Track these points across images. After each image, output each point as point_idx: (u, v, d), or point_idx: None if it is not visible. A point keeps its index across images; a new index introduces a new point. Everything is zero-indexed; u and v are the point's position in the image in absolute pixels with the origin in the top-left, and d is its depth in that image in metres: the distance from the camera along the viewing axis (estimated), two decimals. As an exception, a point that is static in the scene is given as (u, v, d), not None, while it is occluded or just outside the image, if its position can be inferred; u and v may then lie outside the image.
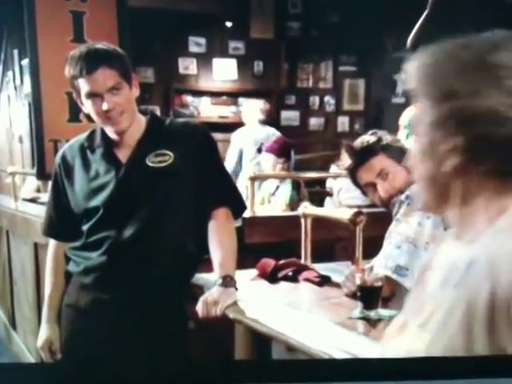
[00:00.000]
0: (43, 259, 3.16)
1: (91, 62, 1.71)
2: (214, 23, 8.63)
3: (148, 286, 1.80)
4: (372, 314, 1.56)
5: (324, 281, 1.97)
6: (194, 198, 1.84)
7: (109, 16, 2.71)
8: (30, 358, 3.15)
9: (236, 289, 1.76)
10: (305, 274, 2.02)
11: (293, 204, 3.95)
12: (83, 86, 1.72)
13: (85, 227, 1.83)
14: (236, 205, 1.94)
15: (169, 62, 8.37)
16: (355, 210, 2.00)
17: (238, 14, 8.58)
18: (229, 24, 8.73)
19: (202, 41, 8.70)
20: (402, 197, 1.80)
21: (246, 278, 2.04)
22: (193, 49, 8.67)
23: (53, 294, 1.93)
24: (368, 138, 1.96)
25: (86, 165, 1.83)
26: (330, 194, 6.20)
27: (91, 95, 1.72)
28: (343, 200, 5.42)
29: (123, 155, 1.84)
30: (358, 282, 1.61)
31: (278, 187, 4.06)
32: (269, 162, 3.99)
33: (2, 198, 4.42)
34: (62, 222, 1.90)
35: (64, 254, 1.93)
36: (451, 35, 0.94)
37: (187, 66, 8.66)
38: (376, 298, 1.59)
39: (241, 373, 1.27)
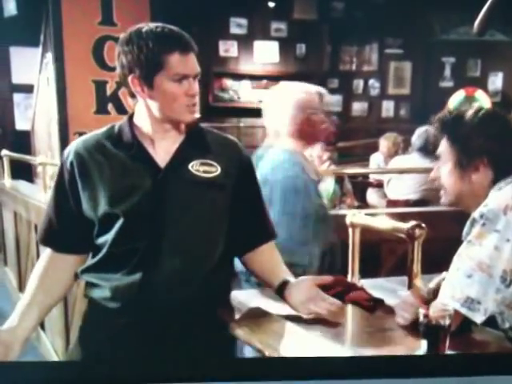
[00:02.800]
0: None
1: (187, 43, 1.55)
2: (255, 3, 8.39)
3: (185, 306, 1.58)
4: (438, 358, 1.31)
5: (376, 305, 1.71)
6: (235, 226, 1.66)
7: (140, -5, 2.49)
8: (56, 359, 3.03)
9: None
10: (353, 296, 1.76)
11: (335, 199, 3.70)
12: (177, 63, 1.53)
13: (105, 237, 1.58)
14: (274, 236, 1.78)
15: (208, 45, 8.16)
16: (413, 222, 1.73)
17: (280, -7, 8.32)
18: (271, 4, 8.45)
19: (244, 22, 8.46)
20: (476, 214, 1.51)
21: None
22: (234, 30, 8.43)
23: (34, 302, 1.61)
24: (451, 115, 1.63)
25: (111, 165, 1.58)
26: (374, 185, 5.94)
27: (184, 76, 1.54)
28: (391, 193, 5.15)
29: (160, 158, 1.60)
30: (420, 318, 1.35)
31: (319, 180, 3.80)
32: (317, 149, 3.77)
33: (33, 188, 4.28)
34: (67, 228, 1.63)
35: (63, 272, 1.65)
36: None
37: (227, 48, 8.44)
38: (443, 338, 1.32)
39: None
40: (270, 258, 1.75)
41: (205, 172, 1.60)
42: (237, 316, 1.66)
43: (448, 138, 1.64)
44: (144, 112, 1.58)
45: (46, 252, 1.67)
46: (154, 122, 1.59)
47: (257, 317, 1.64)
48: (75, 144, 1.62)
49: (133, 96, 1.59)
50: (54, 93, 2.63)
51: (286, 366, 1.35)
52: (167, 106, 1.56)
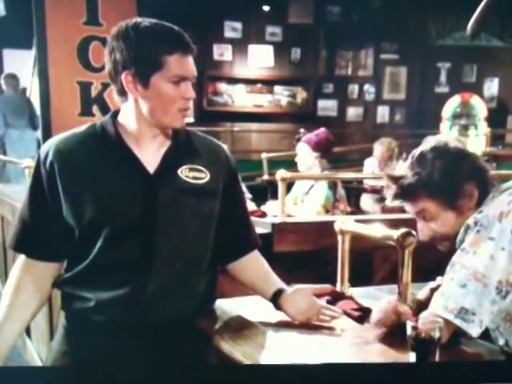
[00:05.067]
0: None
1: (188, 44, 1.46)
2: (250, 7, 8.36)
3: (174, 317, 1.51)
4: (427, 372, 1.24)
5: (365, 315, 1.64)
6: (222, 233, 1.59)
7: (127, -6, 2.43)
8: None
9: None
10: (341, 305, 1.70)
11: (328, 205, 3.62)
12: (177, 64, 1.45)
13: (90, 246, 1.44)
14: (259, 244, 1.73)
15: (203, 48, 8.11)
16: (403, 229, 1.66)
17: (275, -3, 8.30)
18: (266, 8, 8.42)
19: (238, 25, 8.43)
20: (470, 221, 1.44)
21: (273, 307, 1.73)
22: (228, 34, 8.40)
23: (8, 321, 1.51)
24: (409, 178, 1.54)
25: (96, 167, 1.46)
26: (368, 191, 5.89)
27: (182, 78, 1.46)
28: (387, 199, 5.09)
29: (147, 161, 1.51)
30: (409, 331, 1.28)
31: (312, 186, 3.73)
32: (303, 153, 3.69)
33: (20, 191, 4.20)
34: (44, 233, 1.52)
35: (39, 282, 1.54)
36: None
37: (222, 52, 8.40)
38: (433, 351, 1.26)
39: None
40: (259, 266, 1.69)
41: (194, 178, 1.53)
42: (219, 326, 1.59)
43: (424, 193, 1.53)
44: (133, 112, 1.49)
45: (20, 260, 1.55)
46: (142, 123, 1.49)
47: (240, 328, 1.58)
48: (54, 143, 1.50)
49: (121, 94, 1.48)
50: (38, 94, 2.57)
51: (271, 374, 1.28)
52: (160, 108, 1.48)
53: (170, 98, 1.46)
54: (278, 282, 1.65)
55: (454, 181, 1.51)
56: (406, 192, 1.55)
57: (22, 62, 7.26)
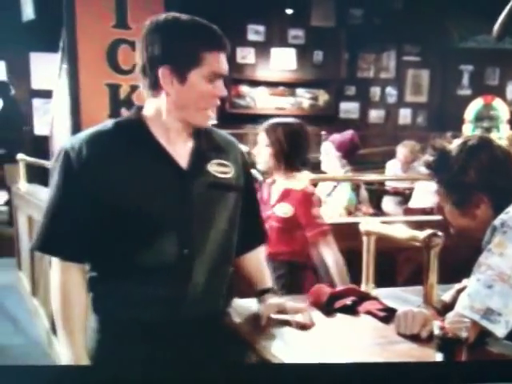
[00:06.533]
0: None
1: (226, 42, 1.48)
2: (273, 10, 8.38)
3: (211, 314, 1.55)
4: (454, 372, 1.26)
5: (390, 315, 1.66)
6: (240, 227, 1.62)
7: (155, -2, 2.47)
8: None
9: None
10: (366, 306, 1.71)
11: (351, 207, 3.62)
12: (215, 61, 1.46)
13: (126, 243, 1.45)
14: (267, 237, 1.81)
15: (226, 51, 8.16)
16: (429, 230, 1.67)
17: (298, 0, 8.28)
18: (289, 11, 8.43)
19: (261, 28, 8.46)
20: (497, 222, 1.45)
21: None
22: (251, 37, 8.43)
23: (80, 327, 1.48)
24: (441, 152, 1.56)
25: (132, 163, 1.45)
26: (390, 193, 5.87)
27: (219, 76, 1.48)
28: (411, 201, 5.08)
29: (178, 157, 1.49)
30: (436, 331, 1.30)
31: (335, 187, 3.73)
32: (326, 152, 3.71)
33: (47, 192, 4.28)
34: (78, 232, 1.44)
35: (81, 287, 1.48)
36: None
37: (245, 55, 8.43)
38: (459, 351, 1.27)
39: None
40: (260, 261, 1.73)
41: (222, 173, 1.54)
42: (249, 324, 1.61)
43: (438, 181, 1.59)
44: (163, 107, 1.47)
45: (58, 270, 1.48)
46: (171, 118, 1.48)
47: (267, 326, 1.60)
48: (84, 139, 1.45)
49: (153, 88, 1.46)
50: (68, 97, 2.62)
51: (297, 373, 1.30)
52: (193, 104, 1.47)
53: (205, 95, 1.47)
54: (265, 282, 1.68)
55: (465, 182, 1.52)
56: (429, 168, 1.60)
57: (48, 65, 7.36)
